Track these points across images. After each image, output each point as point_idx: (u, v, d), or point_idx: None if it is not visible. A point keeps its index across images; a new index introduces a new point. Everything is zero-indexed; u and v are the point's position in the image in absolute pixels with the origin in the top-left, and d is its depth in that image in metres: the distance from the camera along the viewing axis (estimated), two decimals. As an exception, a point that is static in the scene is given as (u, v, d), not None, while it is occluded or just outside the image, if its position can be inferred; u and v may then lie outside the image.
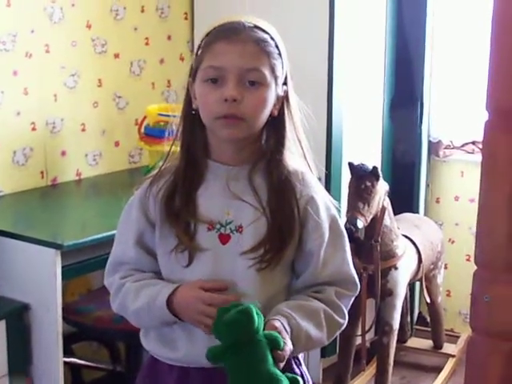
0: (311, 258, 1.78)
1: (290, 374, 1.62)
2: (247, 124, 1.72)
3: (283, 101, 1.79)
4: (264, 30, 1.74)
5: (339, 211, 1.89)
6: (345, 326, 1.82)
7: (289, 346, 1.66)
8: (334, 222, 1.81)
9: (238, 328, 1.58)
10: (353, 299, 1.84)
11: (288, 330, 1.68)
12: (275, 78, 1.74)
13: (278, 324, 1.66)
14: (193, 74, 1.77)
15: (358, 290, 1.84)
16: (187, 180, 1.78)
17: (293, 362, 1.86)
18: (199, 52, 1.75)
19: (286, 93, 1.79)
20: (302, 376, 1.88)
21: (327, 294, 1.78)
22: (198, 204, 1.76)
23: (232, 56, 1.69)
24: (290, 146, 1.81)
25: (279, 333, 1.64)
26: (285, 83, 1.79)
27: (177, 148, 1.83)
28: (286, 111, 1.80)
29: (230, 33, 1.71)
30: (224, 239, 1.75)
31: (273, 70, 1.73)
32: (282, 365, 1.63)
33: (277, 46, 1.76)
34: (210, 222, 1.75)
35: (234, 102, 1.69)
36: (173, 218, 1.76)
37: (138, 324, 1.84)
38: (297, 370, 1.87)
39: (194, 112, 1.78)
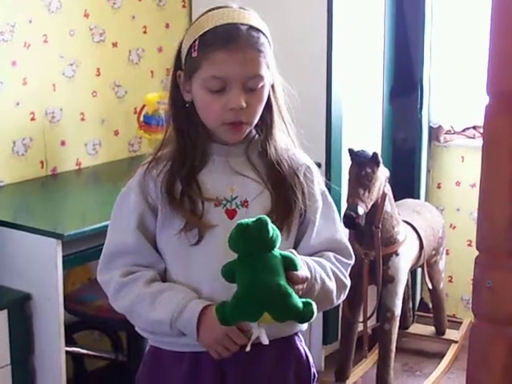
0: (307, 225, 1.83)
1: (303, 298, 1.60)
2: (250, 125, 1.79)
3: (273, 83, 1.82)
4: (257, 29, 1.74)
5: (329, 189, 1.93)
6: (348, 288, 1.85)
7: (306, 273, 1.67)
8: (323, 195, 1.87)
9: (250, 235, 1.58)
10: (349, 269, 1.87)
11: (305, 265, 1.71)
12: (269, 69, 1.77)
13: (293, 251, 1.69)
14: (187, 71, 1.76)
15: (354, 259, 1.89)
16: (188, 164, 1.79)
17: (296, 339, 1.88)
18: (194, 53, 1.73)
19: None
20: (305, 352, 1.91)
21: (326, 257, 1.82)
22: (202, 183, 1.79)
23: (234, 65, 1.70)
24: (278, 123, 1.84)
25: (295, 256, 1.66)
26: None
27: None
28: (271, 92, 1.81)
29: (228, 41, 1.70)
30: (231, 214, 1.78)
31: (268, 66, 1.76)
32: (297, 288, 1.62)
33: (268, 41, 1.77)
34: (215, 199, 1.78)
35: (240, 110, 1.72)
36: (177, 201, 1.77)
37: (145, 328, 1.83)
38: (300, 347, 1.89)
39: (187, 105, 1.79)
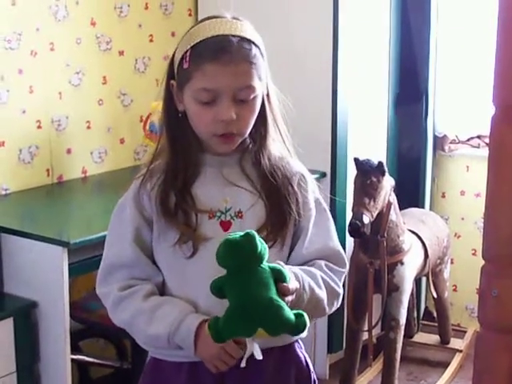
0: (300, 233, 1.82)
1: (294, 310, 1.59)
2: (242, 136, 1.78)
3: (265, 93, 1.81)
4: (249, 40, 1.73)
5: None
6: (341, 297, 1.84)
7: (295, 284, 1.65)
8: (317, 203, 1.86)
9: (239, 250, 1.56)
10: (343, 277, 1.86)
11: (292, 275, 1.69)
12: (261, 81, 1.76)
13: (280, 262, 1.67)
14: (179, 82, 1.76)
15: (347, 266, 1.88)
16: (181, 176, 1.79)
17: (296, 346, 1.88)
18: (185, 64, 1.73)
19: (266, 85, 1.80)
20: (305, 360, 1.90)
21: (318, 265, 1.81)
22: (195, 195, 1.78)
23: (224, 78, 1.69)
24: (272, 133, 1.83)
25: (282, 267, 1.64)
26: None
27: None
28: (266, 102, 1.81)
29: (219, 53, 1.69)
30: (225, 226, 1.77)
31: (260, 78, 1.75)
32: (288, 299, 1.61)
33: (260, 52, 1.76)
34: (209, 211, 1.77)
35: (231, 121, 1.72)
36: (171, 214, 1.77)
37: (146, 344, 1.85)
38: (300, 354, 1.89)
39: (180, 114, 1.79)
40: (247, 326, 1.56)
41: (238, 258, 1.57)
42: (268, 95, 1.80)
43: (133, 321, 1.77)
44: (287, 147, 1.86)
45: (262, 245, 1.58)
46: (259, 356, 1.61)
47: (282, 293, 1.60)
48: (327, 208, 1.89)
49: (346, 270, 1.87)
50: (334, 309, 1.84)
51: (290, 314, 1.57)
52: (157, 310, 1.75)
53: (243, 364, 1.65)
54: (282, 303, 1.57)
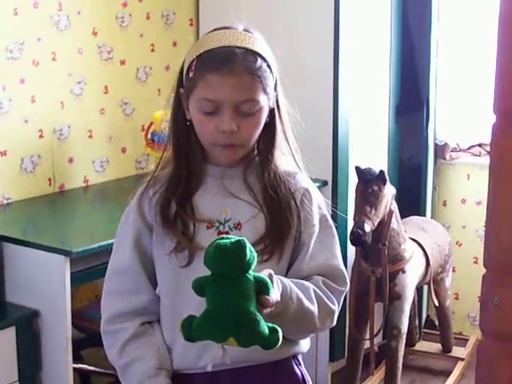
0: (301, 249, 1.80)
1: (270, 324, 1.57)
2: (244, 148, 1.77)
3: (273, 107, 1.80)
4: (256, 53, 1.73)
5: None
6: (336, 314, 1.82)
7: (276, 297, 1.62)
8: (323, 220, 1.84)
9: (227, 257, 1.54)
10: (343, 296, 1.84)
11: (280, 285, 1.67)
12: (267, 95, 1.75)
13: (271, 272, 1.64)
14: (186, 90, 1.77)
15: (348, 286, 1.85)
16: (183, 185, 1.79)
17: (292, 362, 1.85)
18: (191, 73, 1.74)
19: (276, 98, 1.80)
20: (303, 376, 1.88)
21: (314, 280, 1.79)
22: (195, 205, 1.79)
23: (227, 89, 1.69)
24: (280, 146, 1.83)
25: (270, 278, 1.60)
26: (275, 88, 1.79)
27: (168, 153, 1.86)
28: (276, 116, 1.80)
29: (222, 64, 1.69)
30: None
31: (265, 91, 1.74)
32: (265, 311, 1.58)
33: (268, 65, 1.75)
34: (208, 221, 1.77)
35: (232, 133, 1.71)
36: (169, 222, 1.78)
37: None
38: (297, 370, 1.86)
39: (188, 123, 1.79)
40: (219, 333, 1.55)
41: (224, 264, 1.55)
42: (279, 108, 1.80)
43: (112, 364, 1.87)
44: (296, 162, 1.85)
45: (251, 254, 1.56)
46: (227, 361, 1.61)
47: (262, 304, 1.57)
48: (333, 226, 1.87)
49: (346, 289, 1.84)
50: (327, 326, 1.82)
51: (264, 328, 1.55)
52: (126, 370, 1.83)
53: (209, 368, 1.67)
54: (259, 317, 1.55)
